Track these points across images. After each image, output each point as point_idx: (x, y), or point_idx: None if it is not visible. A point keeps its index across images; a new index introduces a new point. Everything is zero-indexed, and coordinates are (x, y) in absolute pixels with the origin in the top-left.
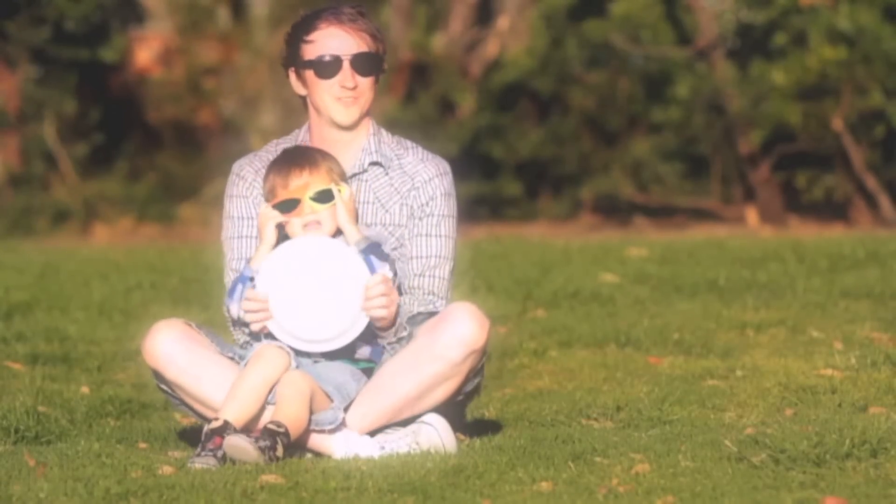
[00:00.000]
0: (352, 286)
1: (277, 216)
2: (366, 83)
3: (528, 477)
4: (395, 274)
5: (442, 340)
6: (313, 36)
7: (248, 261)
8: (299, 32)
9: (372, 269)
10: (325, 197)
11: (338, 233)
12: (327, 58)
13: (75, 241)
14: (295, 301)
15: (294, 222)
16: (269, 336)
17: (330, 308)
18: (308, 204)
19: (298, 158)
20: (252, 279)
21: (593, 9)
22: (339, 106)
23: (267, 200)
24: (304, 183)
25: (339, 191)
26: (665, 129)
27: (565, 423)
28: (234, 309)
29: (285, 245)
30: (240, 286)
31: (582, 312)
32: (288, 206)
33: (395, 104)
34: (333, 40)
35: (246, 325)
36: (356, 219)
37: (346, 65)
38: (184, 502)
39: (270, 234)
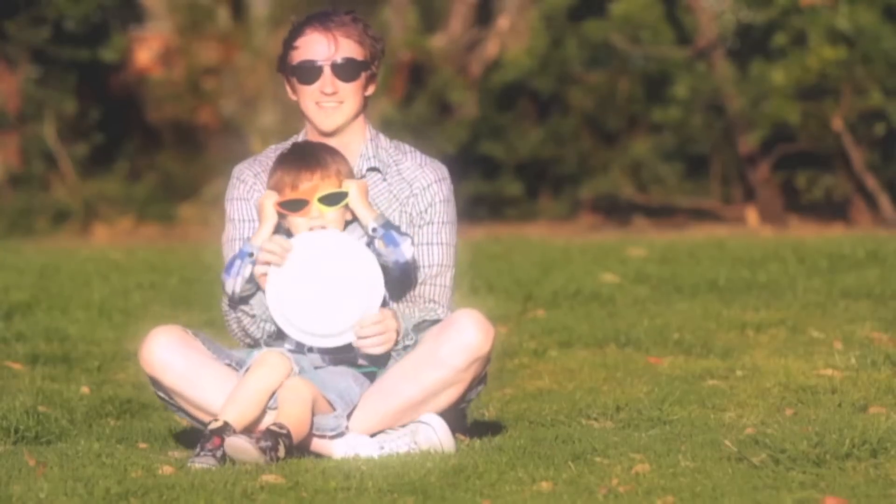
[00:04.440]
0: (362, 301)
1: (275, 196)
2: (348, 88)
3: (528, 477)
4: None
5: (446, 347)
6: (299, 42)
7: (249, 238)
8: (289, 38)
9: (395, 243)
10: (333, 199)
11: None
12: (308, 64)
13: (75, 241)
14: (305, 280)
15: (299, 222)
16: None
17: (330, 307)
18: (316, 206)
19: (308, 159)
20: (251, 255)
21: (593, 9)
22: (320, 113)
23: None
24: (314, 185)
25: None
26: (665, 129)
27: (565, 423)
28: (230, 284)
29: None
30: (238, 261)
31: (582, 312)
32: (295, 206)
33: (393, 105)
34: (316, 46)
35: (242, 301)
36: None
37: (326, 71)
38: (184, 502)
39: (270, 212)
